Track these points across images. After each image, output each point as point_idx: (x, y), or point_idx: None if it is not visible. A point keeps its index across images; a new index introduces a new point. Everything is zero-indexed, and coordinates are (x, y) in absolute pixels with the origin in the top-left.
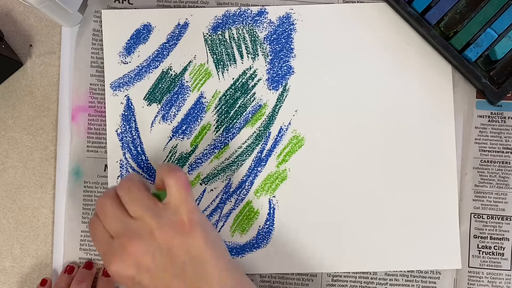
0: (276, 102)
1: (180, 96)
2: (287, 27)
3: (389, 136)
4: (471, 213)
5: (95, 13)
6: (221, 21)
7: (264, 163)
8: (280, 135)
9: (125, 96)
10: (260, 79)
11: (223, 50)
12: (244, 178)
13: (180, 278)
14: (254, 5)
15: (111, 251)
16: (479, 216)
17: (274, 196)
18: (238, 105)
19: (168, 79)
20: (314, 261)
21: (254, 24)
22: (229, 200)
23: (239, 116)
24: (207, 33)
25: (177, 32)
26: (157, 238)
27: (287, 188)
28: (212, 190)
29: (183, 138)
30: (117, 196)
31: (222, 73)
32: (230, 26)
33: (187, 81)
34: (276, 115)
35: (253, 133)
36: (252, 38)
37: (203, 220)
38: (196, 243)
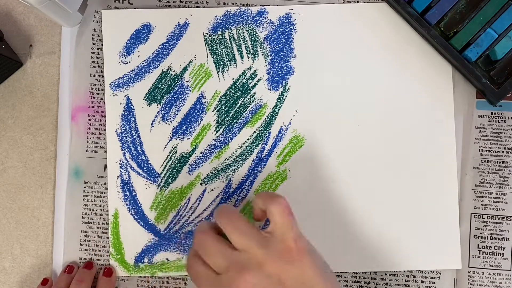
0: (276, 102)
1: (180, 96)
2: (287, 27)
3: (389, 136)
4: (471, 213)
5: (95, 13)
6: (221, 21)
7: (264, 163)
8: (280, 135)
9: (125, 96)
10: (260, 79)
11: (223, 50)
12: (244, 178)
13: None
14: (254, 5)
15: (217, 285)
16: (479, 216)
17: None
18: (238, 105)
19: (168, 79)
20: None
21: (254, 24)
22: (230, 200)
23: (239, 116)
24: (207, 33)
25: (177, 32)
26: (266, 269)
27: (287, 188)
28: (212, 190)
29: (183, 138)
30: (215, 229)
31: (222, 73)
32: (230, 26)
33: (187, 81)
34: (276, 115)
35: (253, 133)
36: (252, 38)
37: (310, 245)
38: (306, 271)
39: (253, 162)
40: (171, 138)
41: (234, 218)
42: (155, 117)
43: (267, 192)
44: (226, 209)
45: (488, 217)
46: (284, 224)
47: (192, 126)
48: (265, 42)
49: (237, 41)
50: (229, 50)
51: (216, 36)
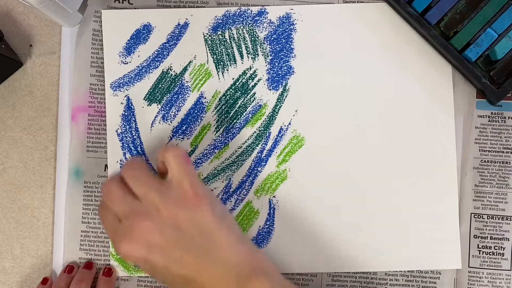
0: (276, 102)
1: (180, 96)
2: (287, 27)
3: (389, 136)
4: (471, 213)
5: (95, 13)
6: (221, 21)
7: (264, 163)
8: (280, 135)
9: (125, 96)
10: (260, 79)
11: (223, 50)
12: (244, 178)
13: (191, 251)
14: (254, 5)
15: (119, 233)
16: (479, 216)
17: (274, 196)
18: (238, 105)
19: (168, 79)
20: (314, 261)
21: (254, 24)
22: (229, 200)
23: (239, 116)
24: (207, 33)
25: (177, 32)
26: (163, 215)
27: (287, 188)
28: (212, 190)
29: (183, 138)
30: (122, 180)
31: (222, 73)
32: (230, 26)
33: (187, 81)
34: (276, 115)
35: (253, 133)
36: (252, 38)
37: (209, 193)
38: (203, 216)
39: (253, 162)
40: (171, 138)
41: (136, 169)
42: (155, 117)
43: (165, 145)
44: (131, 161)
45: (488, 217)
46: (180, 171)
47: (192, 126)
48: (265, 42)
49: (237, 41)
50: (229, 50)
51: (216, 36)
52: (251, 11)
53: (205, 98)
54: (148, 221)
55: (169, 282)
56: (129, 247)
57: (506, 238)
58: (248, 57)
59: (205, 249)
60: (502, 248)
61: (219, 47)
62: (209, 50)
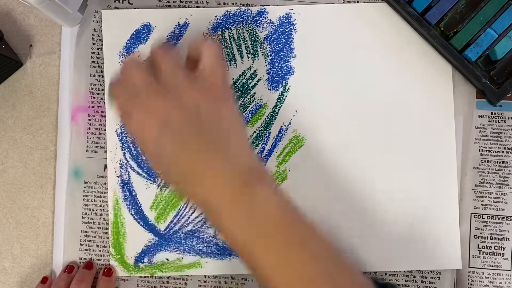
0: (276, 102)
1: None
2: (287, 27)
3: (389, 136)
4: (471, 213)
5: (95, 13)
6: (221, 21)
7: (264, 163)
8: (280, 135)
9: None
10: (260, 79)
11: (223, 50)
12: None
13: (205, 144)
14: (254, 5)
15: (134, 104)
16: (479, 216)
17: None
18: (238, 105)
19: None
20: None
21: (254, 24)
22: None
23: None
24: (207, 33)
25: (177, 32)
26: (186, 99)
27: (287, 188)
28: None
29: None
30: (147, 63)
31: None
32: (230, 26)
33: None
34: (276, 115)
35: (253, 133)
36: (252, 38)
37: (234, 96)
38: (227, 112)
39: None
40: None
41: (168, 48)
42: None
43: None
44: (164, 43)
45: (488, 217)
46: (215, 63)
47: None
48: (265, 42)
49: (237, 41)
50: (229, 50)
51: (216, 36)
52: (251, 11)
53: None
54: (168, 100)
55: (170, 173)
56: (142, 119)
57: (506, 238)
58: (248, 57)
59: (219, 146)
60: (502, 248)
61: None
62: None
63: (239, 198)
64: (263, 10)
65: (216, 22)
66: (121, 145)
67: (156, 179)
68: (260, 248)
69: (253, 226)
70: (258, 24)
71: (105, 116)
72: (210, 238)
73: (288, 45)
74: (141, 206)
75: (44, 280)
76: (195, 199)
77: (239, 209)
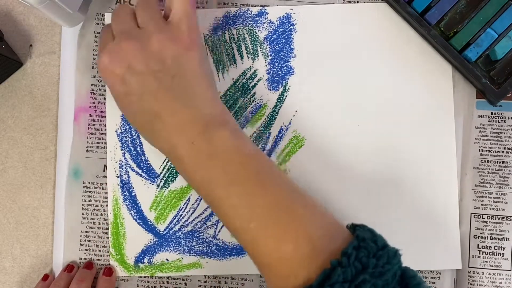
0: (276, 102)
1: None
2: (287, 27)
3: (389, 136)
4: (471, 213)
5: (96, 15)
6: (221, 22)
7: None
8: (280, 135)
9: None
10: (260, 79)
11: (223, 50)
12: None
13: (168, 90)
14: (254, 6)
15: (107, 47)
16: (479, 216)
17: None
18: (238, 105)
19: None
20: None
21: (254, 25)
22: None
23: (239, 116)
24: (207, 34)
25: None
26: (153, 45)
27: None
28: None
29: None
30: (133, 9)
31: (222, 74)
32: (230, 26)
33: None
34: (276, 115)
35: (253, 133)
36: (252, 39)
37: (201, 43)
38: (189, 60)
39: None
40: None
41: (149, 2)
42: None
43: None
44: None
45: (488, 217)
46: (183, 12)
47: None
48: (265, 42)
49: (237, 42)
50: (229, 51)
51: (216, 36)
52: (251, 11)
53: None
54: (136, 44)
55: (136, 114)
56: (110, 60)
57: (506, 238)
58: (248, 57)
59: (182, 92)
60: (502, 248)
61: (219, 47)
62: (209, 50)
63: (199, 142)
64: (263, 10)
65: (216, 23)
66: (121, 145)
67: (155, 179)
68: (220, 188)
69: (213, 166)
70: (258, 25)
71: (105, 116)
72: (210, 239)
73: (288, 45)
74: (140, 207)
75: (45, 277)
76: (158, 144)
77: (199, 152)
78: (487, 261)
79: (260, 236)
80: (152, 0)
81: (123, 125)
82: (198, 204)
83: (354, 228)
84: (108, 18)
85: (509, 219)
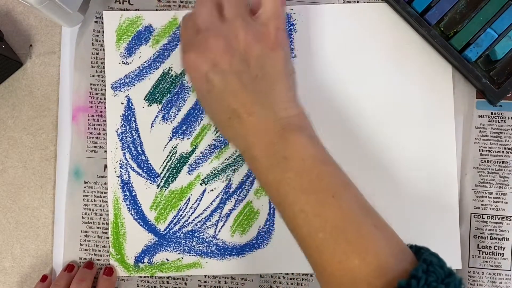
0: None
1: (180, 97)
2: (287, 27)
3: (389, 136)
4: (471, 213)
5: (95, 13)
6: None
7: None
8: None
9: (126, 96)
10: None
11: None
12: (244, 179)
13: (249, 89)
14: None
15: (192, 43)
16: (479, 216)
17: None
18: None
19: (168, 79)
20: None
21: None
22: (229, 200)
23: None
24: None
25: (178, 33)
26: (239, 43)
27: None
28: (212, 190)
29: (183, 138)
30: (218, 1)
31: None
32: None
33: (187, 82)
34: None
35: None
36: None
37: (287, 44)
38: (274, 61)
39: None
40: (171, 138)
41: None
42: (155, 117)
43: None
44: None
45: (488, 217)
46: (272, 11)
47: (192, 126)
48: None
49: None
50: None
51: None
52: None
53: None
54: (224, 42)
55: (216, 111)
56: (196, 57)
57: (506, 238)
58: None
59: (262, 92)
60: (502, 248)
61: None
62: None
63: (276, 144)
64: None
65: None
66: (121, 145)
67: (156, 179)
68: (292, 192)
69: (287, 170)
70: None
71: (105, 116)
72: (210, 239)
73: None
74: (141, 206)
75: (44, 278)
76: (235, 142)
77: (274, 154)
78: (487, 261)
79: (327, 247)
80: None
81: (123, 125)
82: (198, 204)
83: (417, 249)
84: (107, 17)
85: (509, 219)
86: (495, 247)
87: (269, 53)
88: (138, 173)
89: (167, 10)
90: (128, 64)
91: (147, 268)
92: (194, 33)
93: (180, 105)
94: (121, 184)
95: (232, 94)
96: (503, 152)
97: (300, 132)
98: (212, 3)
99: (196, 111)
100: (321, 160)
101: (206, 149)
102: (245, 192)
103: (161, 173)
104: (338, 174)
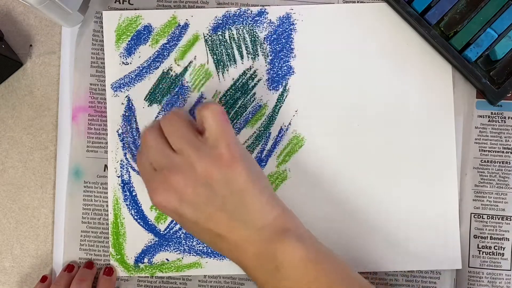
0: (276, 102)
1: (180, 97)
2: (287, 27)
3: (389, 136)
4: (471, 213)
5: (95, 13)
6: (221, 22)
7: (264, 164)
8: (280, 135)
9: (126, 96)
10: (260, 79)
11: (223, 50)
12: None
13: (222, 210)
14: (254, 5)
15: (154, 183)
16: (479, 216)
17: None
18: (238, 105)
19: (168, 79)
20: None
21: (254, 24)
22: None
23: (239, 117)
24: (207, 34)
25: (177, 33)
26: (197, 171)
27: (287, 188)
28: None
29: None
30: (161, 129)
31: (222, 74)
32: (230, 26)
33: (187, 82)
34: (276, 115)
35: (253, 134)
36: (252, 38)
37: (244, 152)
38: (236, 177)
39: None
40: None
41: (175, 121)
42: (156, 118)
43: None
44: (171, 114)
45: (488, 217)
46: (216, 128)
47: None
48: (265, 42)
49: (237, 41)
50: (229, 51)
51: (216, 36)
52: (251, 11)
53: (205, 98)
54: (181, 176)
55: (199, 236)
56: (162, 198)
57: (506, 238)
58: (248, 57)
59: (235, 210)
60: (502, 248)
61: (219, 47)
62: (209, 50)
63: (263, 256)
64: (263, 10)
65: (216, 23)
66: (122, 145)
67: None
68: None
69: (281, 280)
70: (258, 24)
71: (105, 116)
72: None
73: (288, 45)
74: (141, 206)
75: (44, 279)
76: (226, 255)
77: (265, 267)
78: (487, 261)
79: None
80: (180, 118)
81: (124, 126)
82: None
83: None
84: (106, 17)
85: (509, 219)
86: (495, 247)
87: (228, 171)
88: (138, 173)
89: (166, 9)
90: (128, 64)
91: (147, 268)
92: (151, 170)
93: (180, 105)
94: (122, 184)
95: (207, 219)
96: (503, 152)
97: (285, 236)
98: (157, 139)
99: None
100: (313, 260)
101: None
102: None
103: None
104: (333, 270)
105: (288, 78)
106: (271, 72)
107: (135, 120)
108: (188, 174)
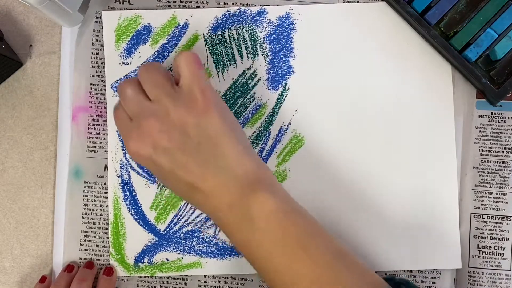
0: (276, 102)
1: None
2: (287, 27)
3: (389, 136)
4: (471, 213)
5: (95, 13)
6: (220, 22)
7: (262, 162)
8: (280, 135)
9: None
10: (260, 79)
11: (223, 50)
12: None
13: (196, 158)
14: (254, 5)
15: (129, 131)
16: (479, 216)
17: None
18: (238, 105)
19: None
20: None
21: (254, 24)
22: None
23: (239, 116)
24: (207, 33)
25: (177, 32)
26: (172, 118)
27: (287, 188)
28: None
29: None
30: (138, 81)
31: (222, 73)
32: (229, 26)
33: None
34: (276, 115)
35: (253, 133)
36: (252, 38)
37: (218, 100)
38: (211, 123)
39: None
40: None
41: (151, 71)
42: None
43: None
44: (148, 64)
45: (488, 217)
46: (190, 75)
47: None
48: (264, 42)
49: (236, 41)
50: (228, 50)
51: (216, 36)
52: (250, 11)
53: None
54: (156, 122)
55: (174, 186)
56: (136, 145)
57: (506, 238)
58: (247, 57)
59: (210, 156)
60: (502, 248)
61: (219, 47)
62: (209, 50)
63: (237, 207)
64: (262, 10)
65: (216, 22)
66: (122, 145)
67: (156, 179)
68: (262, 251)
69: (253, 230)
70: (257, 24)
71: (105, 116)
72: (210, 238)
73: (287, 45)
74: (141, 206)
75: (43, 279)
76: (200, 208)
77: (237, 216)
78: (487, 261)
79: None
80: (157, 68)
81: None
82: None
83: (396, 283)
84: (106, 17)
85: (509, 219)
86: (495, 247)
87: (203, 117)
88: (138, 173)
89: (166, 9)
90: (128, 64)
91: (147, 268)
92: (127, 121)
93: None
94: (121, 184)
95: (181, 168)
96: (503, 152)
97: (259, 187)
98: (132, 88)
99: None
100: (285, 213)
101: None
102: None
103: None
104: (305, 224)
105: (288, 78)
106: (271, 71)
107: None
108: (163, 120)
